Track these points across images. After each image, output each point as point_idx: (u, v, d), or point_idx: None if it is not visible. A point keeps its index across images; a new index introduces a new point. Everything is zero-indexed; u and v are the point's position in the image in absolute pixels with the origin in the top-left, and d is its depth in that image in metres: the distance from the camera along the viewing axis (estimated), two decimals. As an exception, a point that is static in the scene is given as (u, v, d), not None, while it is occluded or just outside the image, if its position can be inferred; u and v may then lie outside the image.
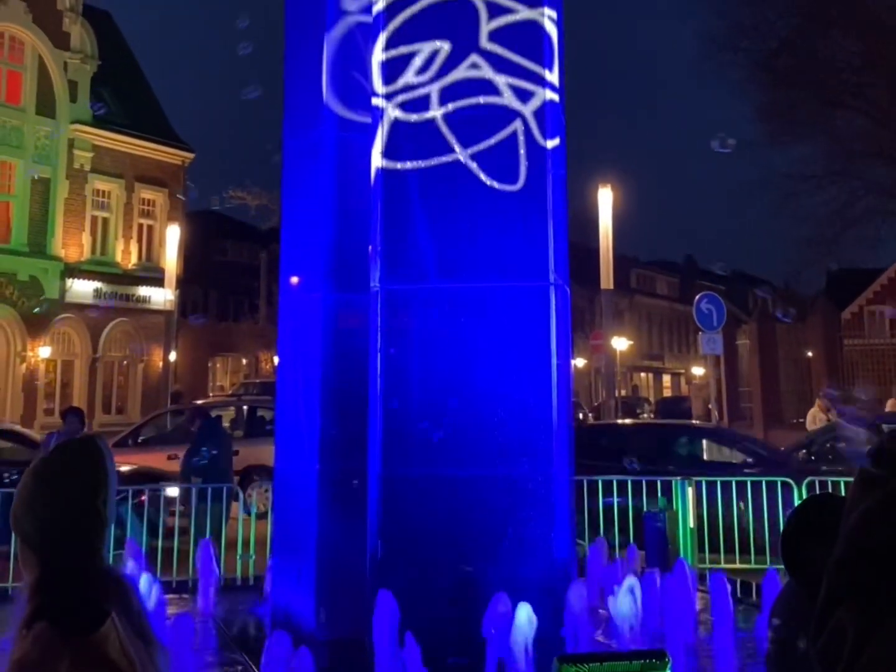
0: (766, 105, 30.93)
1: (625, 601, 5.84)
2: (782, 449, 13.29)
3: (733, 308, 29.62)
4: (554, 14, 6.27)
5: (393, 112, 6.08)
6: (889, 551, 1.09)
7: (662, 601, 6.29)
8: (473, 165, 5.94)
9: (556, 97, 6.19)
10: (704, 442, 12.35)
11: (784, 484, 9.08)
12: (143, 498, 9.57)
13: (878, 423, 11.12)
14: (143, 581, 6.36)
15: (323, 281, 6.58)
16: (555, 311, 5.89)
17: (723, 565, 8.74)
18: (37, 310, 28.20)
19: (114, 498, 1.88)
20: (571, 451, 6.10)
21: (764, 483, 9.22)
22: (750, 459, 11.20)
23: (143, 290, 31.69)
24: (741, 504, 9.41)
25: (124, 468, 11.22)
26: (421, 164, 5.99)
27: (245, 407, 17.42)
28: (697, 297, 19.30)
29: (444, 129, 6.01)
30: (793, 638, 2.08)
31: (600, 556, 7.55)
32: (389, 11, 6.19)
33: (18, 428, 15.60)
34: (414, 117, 6.05)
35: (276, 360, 10.61)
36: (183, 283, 29.12)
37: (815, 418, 18.65)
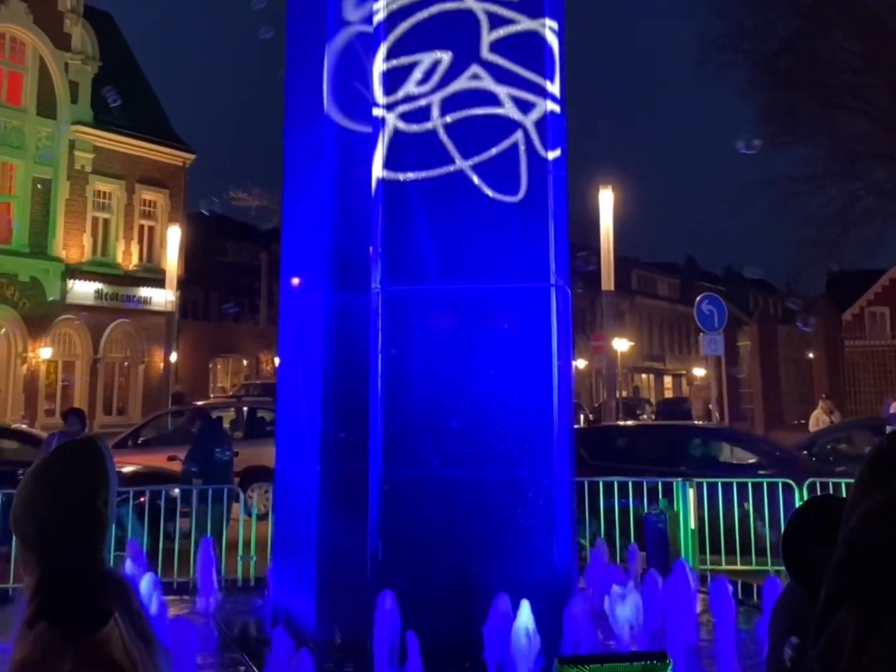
0: (766, 106, 30.95)
1: (625, 603, 5.84)
2: (797, 450, 13.30)
3: (734, 309, 29.63)
4: (555, 25, 6.26)
5: (394, 122, 6.08)
6: (889, 553, 1.09)
7: (663, 603, 6.28)
8: (474, 176, 5.94)
9: (557, 108, 6.18)
10: (721, 444, 12.30)
11: (785, 485, 9.07)
12: (143, 499, 9.55)
13: None
14: (145, 581, 6.37)
15: (324, 282, 6.58)
16: (556, 313, 5.89)
17: (724, 567, 8.74)
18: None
19: (114, 499, 1.88)
20: (572, 453, 6.10)
21: (765, 484, 9.21)
22: (765, 461, 11.14)
23: (144, 291, 31.72)
24: (746, 505, 9.40)
25: (128, 468, 11.23)
26: (422, 174, 5.99)
27: (245, 408, 17.43)
28: (698, 298, 19.29)
29: (445, 139, 6.01)
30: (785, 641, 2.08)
31: (601, 557, 7.55)
32: (390, 21, 6.18)
33: (25, 427, 15.62)
34: (415, 128, 6.05)
35: (276, 361, 10.61)
36: (183, 284, 29.13)
37: (818, 420, 18.68)
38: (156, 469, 12.15)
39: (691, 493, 9.07)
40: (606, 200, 19.71)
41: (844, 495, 2.18)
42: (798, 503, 8.14)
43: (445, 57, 6.08)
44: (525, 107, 6.03)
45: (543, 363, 5.82)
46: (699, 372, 49.19)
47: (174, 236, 24.85)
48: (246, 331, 40.00)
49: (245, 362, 42.05)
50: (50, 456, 1.90)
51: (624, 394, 43.28)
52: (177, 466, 11.68)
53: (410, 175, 6.00)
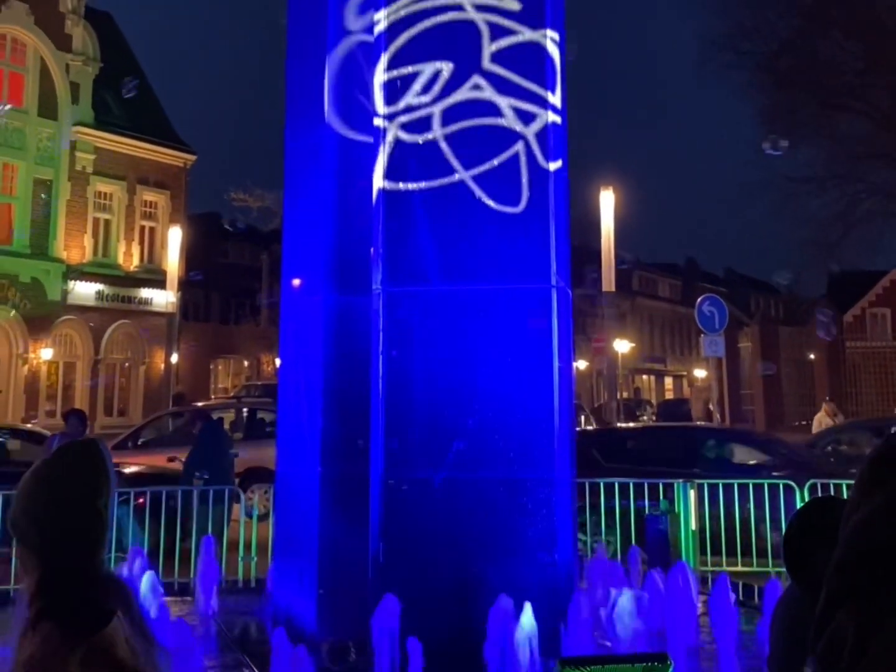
0: (767, 107, 31.00)
1: (625, 604, 5.84)
2: (808, 450, 13.29)
3: (735, 310, 29.62)
4: (556, 36, 6.25)
5: (395, 133, 6.07)
6: (889, 553, 1.09)
7: (664, 603, 6.28)
8: (475, 187, 5.94)
9: (558, 119, 6.17)
10: (736, 446, 12.26)
11: (786, 486, 9.07)
12: (141, 500, 9.55)
13: None
14: (146, 582, 6.37)
15: (324, 283, 6.58)
16: (556, 314, 5.89)
17: (724, 568, 8.73)
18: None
19: (114, 500, 1.89)
20: (573, 454, 6.10)
21: (766, 485, 9.21)
22: (778, 462, 11.10)
23: (145, 292, 31.73)
24: (749, 507, 9.39)
25: (130, 469, 11.22)
26: (423, 184, 5.99)
27: (245, 409, 17.43)
28: (699, 299, 19.29)
29: (446, 150, 6.00)
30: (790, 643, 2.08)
31: (602, 558, 7.55)
32: (391, 31, 6.18)
33: (29, 426, 15.63)
34: (416, 138, 6.05)
35: (277, 362, 10.61)
36: (184, 285, 29.14)
37: (820, 422, 18.68)
38: (159, 469, 12.14)
39: (692, 494, 9.07)
40: (607, 201, 19.69)
41: (846, 496, 2.18)
42: (799, 504, 8.14)
43: (447, 67, 6.07)
44: (526, 118, 6.02)
45: (544, 364, 5.82)
46: (700, 373, 49.18)
47: (175, 237, 24.86)
48: (247, 332, 40.04)
49: (246, 363, 42.10)
50: (51, 457, 1.91)
51: (625, 395, 43.27)
52: (177, 467, 11.67)
53: (411, 185, 5.99)
